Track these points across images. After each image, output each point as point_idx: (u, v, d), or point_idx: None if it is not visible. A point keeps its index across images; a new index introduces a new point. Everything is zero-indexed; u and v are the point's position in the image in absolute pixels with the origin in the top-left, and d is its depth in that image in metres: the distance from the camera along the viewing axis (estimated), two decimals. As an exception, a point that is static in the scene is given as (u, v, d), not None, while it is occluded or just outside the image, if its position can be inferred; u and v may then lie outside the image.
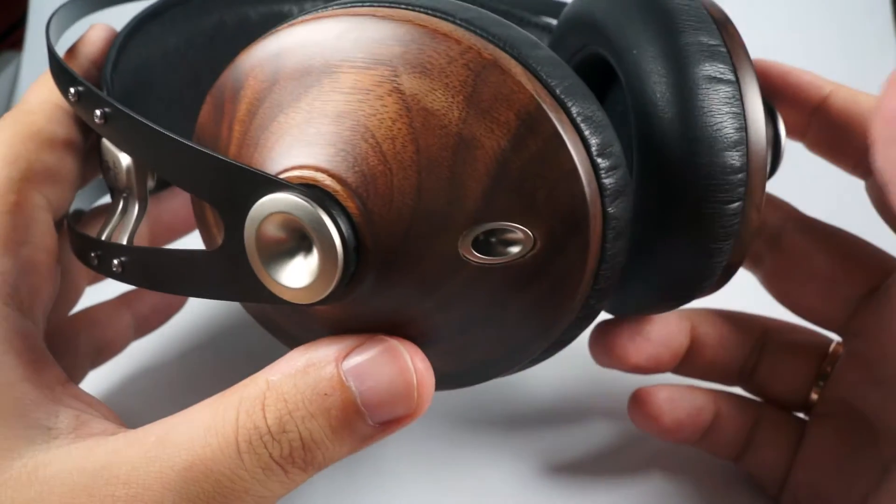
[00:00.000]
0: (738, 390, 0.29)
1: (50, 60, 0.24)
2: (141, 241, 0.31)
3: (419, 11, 0.19)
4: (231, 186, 0.19)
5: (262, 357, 0.22)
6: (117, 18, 0.28)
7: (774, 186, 0.27)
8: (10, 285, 0.22)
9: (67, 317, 0.30)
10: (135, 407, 0.23)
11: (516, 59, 0.19)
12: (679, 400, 0.28)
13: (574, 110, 0.19)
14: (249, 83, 0.21)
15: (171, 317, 0.33)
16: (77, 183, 0.25)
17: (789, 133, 0.27)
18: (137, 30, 0.28)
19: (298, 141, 0.20)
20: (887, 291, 0.25)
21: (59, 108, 0.24)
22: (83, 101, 0.22)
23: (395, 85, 0.19)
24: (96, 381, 0.32)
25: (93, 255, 0.23)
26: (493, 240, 0.19)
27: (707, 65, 0.22)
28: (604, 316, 0.27)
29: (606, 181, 0.19)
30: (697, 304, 0.28)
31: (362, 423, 0.19)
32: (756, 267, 0.28)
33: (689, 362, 0.29)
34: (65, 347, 0.28)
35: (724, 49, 0.23)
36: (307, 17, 0.20)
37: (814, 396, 0.28)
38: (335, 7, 0.20)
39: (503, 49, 0.19)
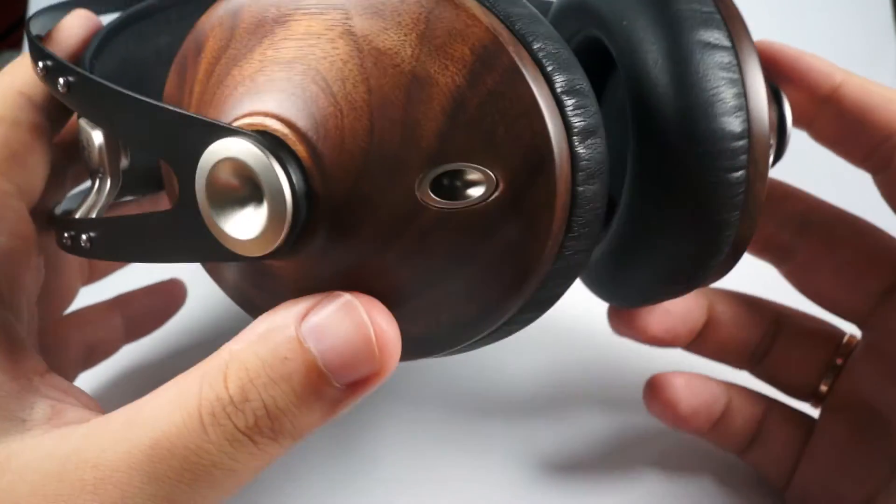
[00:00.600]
0: (746, 377, 0.29)
1: (27, 38, 0.23)
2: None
3: None
4: (183, 137, 0.19)
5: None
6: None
7: (777, 176, 0.27)
8: None
9: (60, 317, 0.29)
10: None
11: None
12: (695, 387, 0.28)
13: (535, 45, 0.18)
14: (209, 44, 0.20)
15: (164, 321, 0.33)
16: (47, 168, 0.24)
17: (795, 121, 0.26)
18: (126, 26, 0.27)
19: (249, 91, 0.19)
20: None
21: (21, 95, 0.24)
22: (50, 75, 0.22)
23: (347, 27, 0.18)
24: (90, 381, 0.32)
25: (66, 235, 0.23)
26: (453, 182, 0.18)
27: (702, 31, 0.21)
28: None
29: (574, 119, 0.18)
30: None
31: (328, 386, 0.19)
32: (779, 258, 0.28)
33: (703, 339, 0.29)
34: (56, 347, 0.28)
35: (718, 16, 0.22)
36: None
37: (823, 388, 0.28)
38: None
39: None
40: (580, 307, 0.29)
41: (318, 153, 0.19)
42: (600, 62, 0.26)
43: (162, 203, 0.31)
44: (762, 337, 0.29)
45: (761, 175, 0.22)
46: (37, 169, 0.24)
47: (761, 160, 0.22)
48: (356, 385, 0.19)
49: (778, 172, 0.26)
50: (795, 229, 0.28)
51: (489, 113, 0.18)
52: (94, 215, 0.23)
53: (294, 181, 0.18)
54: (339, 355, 0.18)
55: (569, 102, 0.18)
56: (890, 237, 0.27)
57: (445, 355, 0.22)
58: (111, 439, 0.19)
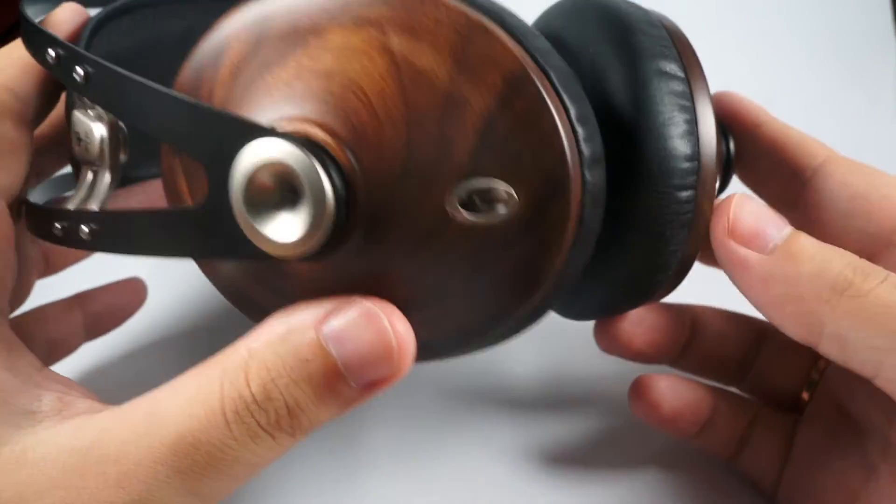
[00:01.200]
0: (733, 391, 0.30)
1: (22, 24, 0.23)
2: None
3: None
4: (219, 137, 0.19)
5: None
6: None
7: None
8: None
9: (20, 314, 0.29)
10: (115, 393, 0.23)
11: (500, 24, 0.19)
12: (679, 389, 0.28)
13: (554, 76, 0.20)
14: (233, 46, 0.21)
15: (125, 320, 0.33)
16: (28, 164, 0.24)
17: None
18: (109, 19, 0.28)
19: (287, 96, 0.20)
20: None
21: (6, 91, 0.24)
22: (63, 63, 0.22)
23: (385, 44, 0.19)
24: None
25: (58, 226, 0.23)
26: (479, 198, 0.19)
27: (659, 61, 0.23)
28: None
29: (585, 147, 0.20)
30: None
31: (345, 386, 0.20)
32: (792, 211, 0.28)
33: (688, 354, 0.29)
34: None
35: (674, 50, 0.23)
36: None
37: (805, 396, 0.28)
38: None
39: (487, 15, 0.19)
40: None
41: (359, 162, 0.19)
42: None
43: (127, 200, 0.31)
44: (746, 352, 0.29)
45: (709, 195, 0.23)
46: (18, 166, 0.24)
47: (709, 181, 0.23)
48: (371, 385, 0.20)
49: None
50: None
51: (516, 135, 0.19)
52: (94, 207, 0.23)
53: (337, 187, 0.19)
54: (359, 360, 0.19)
55: (581, 133, 0.20)
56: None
57: (444, 359, 0.23)
58: (132, 433, 0.19)
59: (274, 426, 0.19)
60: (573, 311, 0.27)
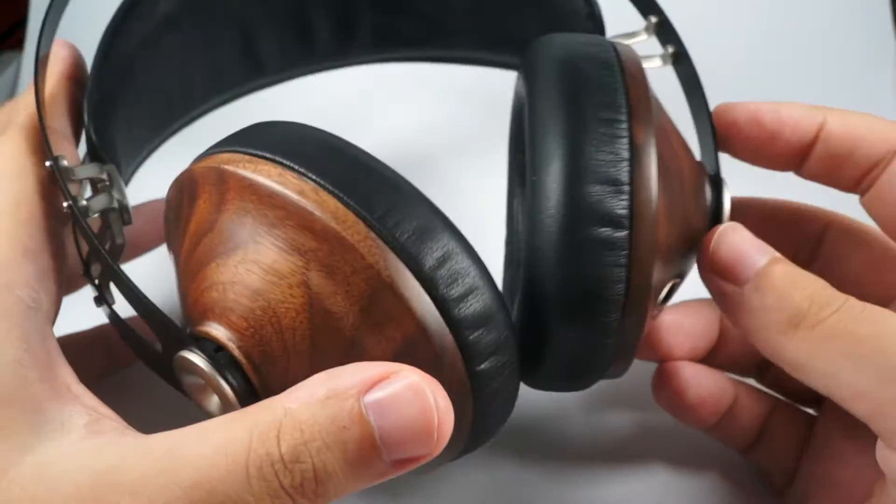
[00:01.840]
0: (752, 382, 0.30)
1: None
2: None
3: (342, 202, 0.20)
4: (167, 333, 0.22)
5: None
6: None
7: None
8: (33, 289, 0.23)
9: None
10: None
11: (415, 273, 0.20)
12: (704, 378, 0.29)
13: (462, 329, 0.21)
14: (200, 202, 0.22)
15: (150, 248, 0.34)
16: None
17: (783, 167, 0.28)
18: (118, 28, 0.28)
19: (220, 302, 0.22)
20: None
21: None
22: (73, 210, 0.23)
23: (305, 278, 0.20)
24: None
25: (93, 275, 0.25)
26: None
27: (602, 129, 0.23)
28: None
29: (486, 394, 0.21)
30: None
31: (378, 459, 0.19)
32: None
33: (714, 353, 0.30)
34: None
35: (625, 127, 0.23)
36: (258, 165, 0.21)
37: None
38: (291, 172, 0.21)
39: (405, 261, 0.20)
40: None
41: (265, 384, 0.21)
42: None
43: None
44: None
45: (641, 263, 0.23)
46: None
47: (644, 259, 0.23)
48: (404, 462, 0.19)
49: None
50: (811, 249, 0.29)
51: None
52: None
53: (243, 395, 0.21)
54: (398, 435, 0.19)
55: (483, 390, 0.21)
56: None
57: None
58: (151, 467, 0.19)
59: (297, 489, 0.19)
60: (531, 383, 0.26)
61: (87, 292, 0.26)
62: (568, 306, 0.23)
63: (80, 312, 0.29)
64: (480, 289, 0.21)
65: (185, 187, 0.23)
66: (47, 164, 0.23)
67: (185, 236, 0.23)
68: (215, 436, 0.19)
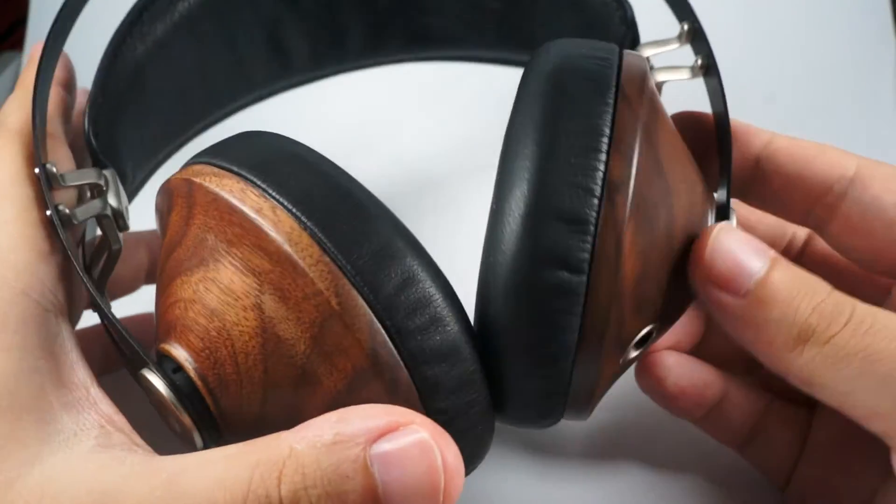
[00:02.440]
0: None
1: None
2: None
3: (299, 222, 0.20)
4: (133, 354, 0.22)
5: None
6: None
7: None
8: (50, 291, 0.22)
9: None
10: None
11: (368, 301, 0.19)
12: (687, 368, 0.28)
13: (415, 360, 0.20)
14: (174, 214, 0.22)
15: None
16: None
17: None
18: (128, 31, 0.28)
19: (181, 320, 0.21)
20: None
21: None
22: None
23: (259, 301, 0.20)
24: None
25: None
26: None
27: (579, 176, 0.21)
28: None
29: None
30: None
31: None
32: (819, 230, 0.28)
33: (699, 349, 0.29)
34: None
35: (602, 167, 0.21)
36: (223, 179, 0.21)
37: None
38: (257, 191, 0.20)
39: (358, 287, 0.19)
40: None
41: (220, 407, 0.21)
42: None
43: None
44: None
45: (600, 300, 0.21)
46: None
47: (600, 306, 0.21)
48: None
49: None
50: (828, 206, 0.27)
51: None
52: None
53: (200, 421, 0.21)
54: (402, 493, 0.18)
55: (445, 429, 0.19)
56: None
57: None
58: (150, 495, 0.19)
59: None
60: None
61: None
62: (514, 351, 0.21)
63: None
64: (444, 319, 0.20)
65: (164, 197, 0.23)
66: (36, 170, 0.23)
67: (161, 248, 0.23)
68: (217, 468, 0.19)
